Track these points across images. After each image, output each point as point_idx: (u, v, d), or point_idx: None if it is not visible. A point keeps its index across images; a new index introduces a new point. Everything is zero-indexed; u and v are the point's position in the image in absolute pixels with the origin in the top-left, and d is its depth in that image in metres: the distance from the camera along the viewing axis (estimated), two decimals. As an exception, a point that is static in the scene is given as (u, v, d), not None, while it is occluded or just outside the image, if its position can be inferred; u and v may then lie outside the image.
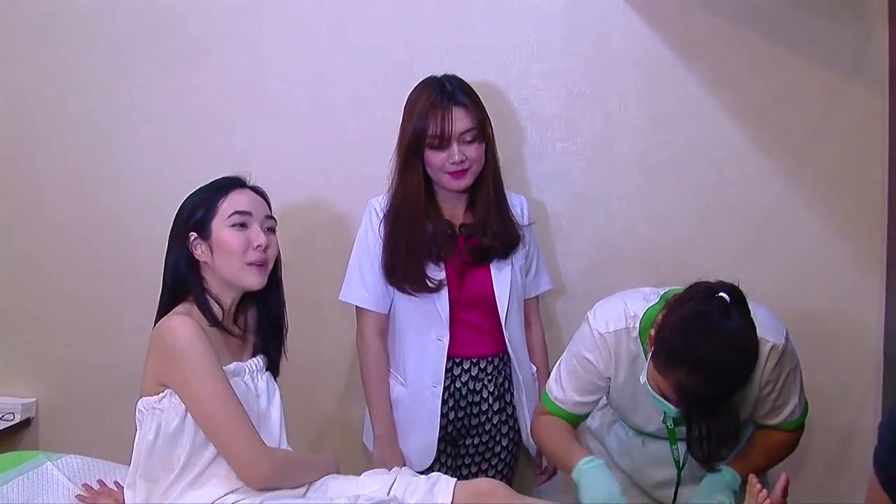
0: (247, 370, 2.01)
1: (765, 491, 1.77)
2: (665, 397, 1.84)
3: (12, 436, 3.01)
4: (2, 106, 2.98)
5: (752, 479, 1.81)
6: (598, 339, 2.04)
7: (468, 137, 2.27)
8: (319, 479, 1.99)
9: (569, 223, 2.69)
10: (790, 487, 1.80)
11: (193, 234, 1.97)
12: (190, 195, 2.02)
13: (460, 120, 2.27)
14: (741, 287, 1.84)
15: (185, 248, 1.97)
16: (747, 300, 1.85)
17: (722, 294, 1.79)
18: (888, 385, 2.55)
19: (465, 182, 2.30)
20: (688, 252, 2.64)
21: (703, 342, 1.74)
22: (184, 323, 1.88)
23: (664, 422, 2.06)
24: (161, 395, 1.89)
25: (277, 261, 2.05)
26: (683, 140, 2.62)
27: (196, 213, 1.98)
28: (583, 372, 2.09)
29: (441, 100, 2.28)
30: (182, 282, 1.98)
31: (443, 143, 2.26)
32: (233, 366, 1.97)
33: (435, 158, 2.28)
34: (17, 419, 3.00)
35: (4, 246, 3.03)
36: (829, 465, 2.62)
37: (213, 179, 2.03)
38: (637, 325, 2.00)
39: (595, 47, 2.63)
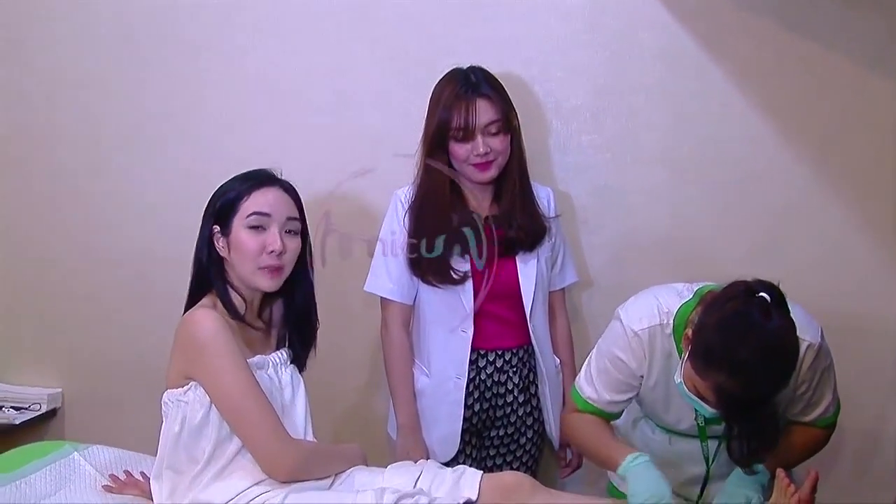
0: (270, 363, 2.01)
1: (793, 486, 1.75)
2: (702, 398, 1.80)
3: (38, 426, 3.03)
4: (21, 99, 3.00)
5: (781, 473, 1.79)
6: (631, 337, 2.00)
7: (493, 129, 2.27)
8: (346, 470, 1.99)
9: (594, 216, 2.69)
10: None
11: (216, 228, 1.96)
12: (223, 183, 2.01)
13: (485, 112, 2.26)
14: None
15: (209, 240, 1.97)
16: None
17: (762, 294, 1.74)
18: (913, 381, 2.54)
19: (491, 174, 2.30)
20: (711, 246, 2.63)
21: (744, 345, 1.70)
22: (208, 316, 1.88)
23: (696, 420, 2.04)
24: (186, 387, 1.89)
25: (304, 255, 2.03)
26: (707, 134, 2.61)
27: (220, 207, 1.97)
28: (615, 371, 2.04)
29: (465, 91, 2.27)
30: (205, 273, 1.98)
31: (467, 135, 2.26)
32: (257, 358, 1.97)
33: (459, 150, 2.28)
34: (44, 409, 3.03)
35: (31, 239, 3.06)
36: (854, 462, 2.61)
37: (246, 170, 2.02)
38: (671, 321, 1.96)
39: (620, 40, 2.62)
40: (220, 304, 1.95)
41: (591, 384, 2.08)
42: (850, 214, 2.57)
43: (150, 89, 2.90)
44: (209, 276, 1.97)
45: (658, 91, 2.62)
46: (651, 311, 1.97)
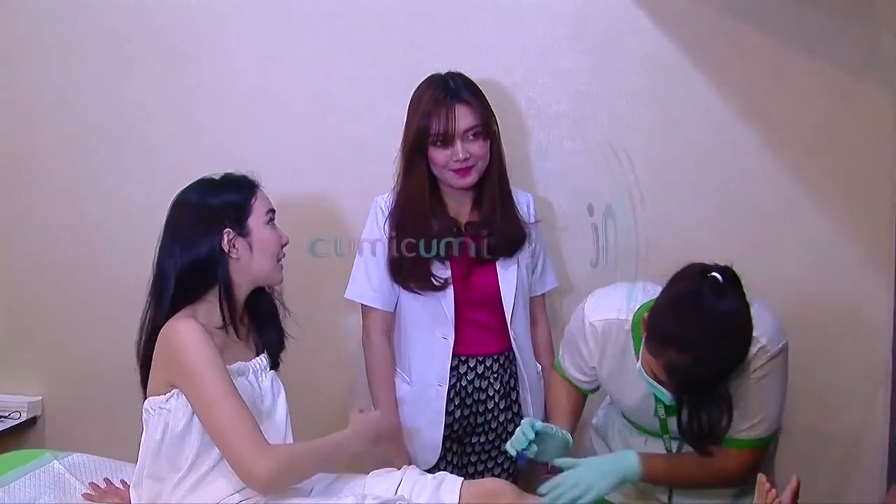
0: (251, 370, 2.01)
1: (774, 491, 1.74)
2: (659, 382, 1.83)
3: (18, 434, 3.02)
4: (4, 103, 2.99)
5: (762, 478, 1.78)
6: (587, 327, 2.05)
7: (472, 135, 2.27)
8: (341, 459, 2.00)
9: (575, 222, 2.68)
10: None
11: (229, 231, 1.95)
12: (199, 189, 2.00)
13: (464, 117, 2.26)
14: (751, 289, 1.82)
15: (215, 243, 1.94)
16: (758, 301, 1.84)
17: (714, 274, 1.77)
18: (897, 386, 2.54)
19: (470, 179, 2.30)
20: (695, 252, 2.55)
21: (693, 322, 1.73)
22: (189, 325, 1.87)
23: (656, 413, 2.04)
24: (168, 395, 1.89)
25: None
26: (691, 140, 2.61)
27: (228, 211, 1.96)
28: (574, 352, 2.13)
29: (445, 97, 2.27)
30: (200, 278, 1.94)
31: (446, 140, 2.26)
32: (237, 365, 1.96)
33: (439, 156, 2.28)
34: (23, 417, 3.01)
35: (10, 246, 3.04)
36: (838, 465, 2.60)
37: (220, 175, 2.02)
38: (631, 317, 1.99)
39: (603, 46, 2.62)
40: (199, 313, 1.94)
41: (562, 357, 2.20)
42: (837, 218, 2.57)
43: (134, 95, 2.89)
44: (207, 281, 1.94)
45: (641, 97, 2.62)
46: (614, 304, 1.97)
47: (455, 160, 2.26)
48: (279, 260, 2.03)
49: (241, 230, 1.96)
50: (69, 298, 3.01)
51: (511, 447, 2.02)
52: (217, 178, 2.02)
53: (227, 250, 1.94)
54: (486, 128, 2.29)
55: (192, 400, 1.85)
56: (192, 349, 1.84)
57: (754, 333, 1.84)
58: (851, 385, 2.59)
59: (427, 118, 2.26)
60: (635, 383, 1.95)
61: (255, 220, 1.97)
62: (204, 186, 2.01)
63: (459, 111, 2.26)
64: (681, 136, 2.61)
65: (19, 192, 3.01)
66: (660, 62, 2.59)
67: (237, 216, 1.96)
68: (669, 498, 2.12)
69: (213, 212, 1.96)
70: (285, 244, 2.03)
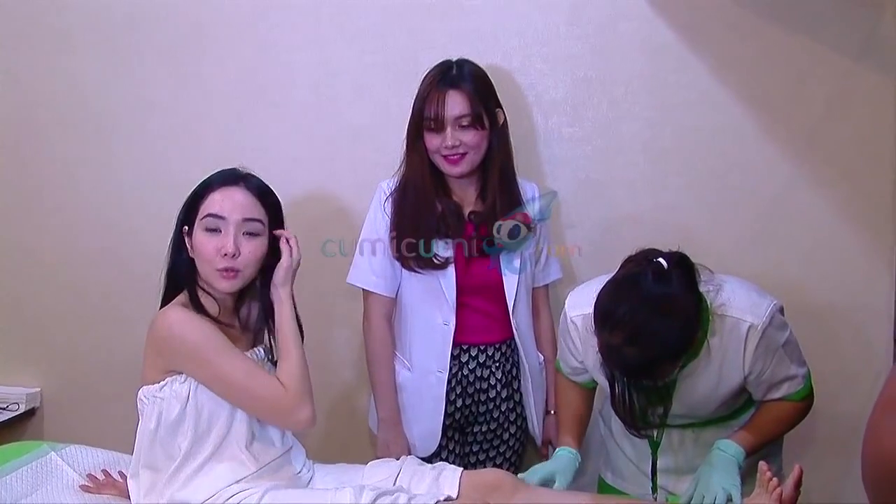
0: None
1: (775, 480, 1.74)
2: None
3: (17, 426, 3.01)
4: (1, 95, 2.97)
5: (763, 466, 1.78)
6: (569, 322, 2.06)
7: (464, 122, 2.26)
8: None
9: (575, 210, 2.67)
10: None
11: (186, 229, 1.96)
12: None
13: (455, 105, 2.25)
14: (749, 273, 1.81)
15: (181, 241, 1.96)
16: (729, 277, 1.87)
17: (659, 259, 1.78)
18: (898, 373, 2.53)
19: (460, 169, 2.29)
20: (694, 239, 2.57)
21: (626, 301, 1.74)
22: (177, 311, 1.88)
23: None
24: (162, 383, 1.89)
25: (273, 255, 2.01)
26: (690, 126, 2.59)
27: (187, 208, 1.97)
28: (565, 349, 2.13)
29: (440, 83, 2.27)
30: (176, 273, 1.98)
31: (438, 126, 2.26)
32: None
33: (432, 141, 2.28)
34: (22, 409, 3.00)
35: (9, 237, 3.03)
36: (839, 454, 2.59)
37: (219, 169, 2.00)
38: None
39: (601, 32, 2.60)
40: (194, 304, 1.94)
41: (560, 353, 2.20)
42: (836, 205, 2.56)
43: (130, 87, 2.87)
44: (180, 277, 1.97)
45: (639, 83, 2.60)
46: (591, 298, 1.93)
47: (445, 146, 2.25)
48: (219, 269, 1.90)
49: (190, 230, 1.95)
50: (68, 290, 3.00)
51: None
52: (214, 172, 2.00)
53: (189, 247, 1.95)
54: (479, 117, 2.27)
55: (202, 378, 1.87)
56: (187, 329, 1.85)
57: (735, 315, 1.86)
58: (852, 372, 2.58)
59: (422, 102, 2.27)
60: None
61: (197, 223, 1.93)
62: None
63: (452, 98, 2.25)
64: (679, 122, 2.60)
65: (17, 186, 3.00)
66: (658, 48, 2.58)
67: (188, 214, 1.95)
68: (653, 478, 2.12)
69: (184, 205, 1.98)
70: (225, 254, 1.88)
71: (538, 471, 2.02)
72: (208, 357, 1.85)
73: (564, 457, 2.07)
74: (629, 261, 1.85)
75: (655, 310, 1.73)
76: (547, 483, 1.99)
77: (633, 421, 1.87)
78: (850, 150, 2.53)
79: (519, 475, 1.99)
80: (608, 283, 1.83)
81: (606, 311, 1.77)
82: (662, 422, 1.93)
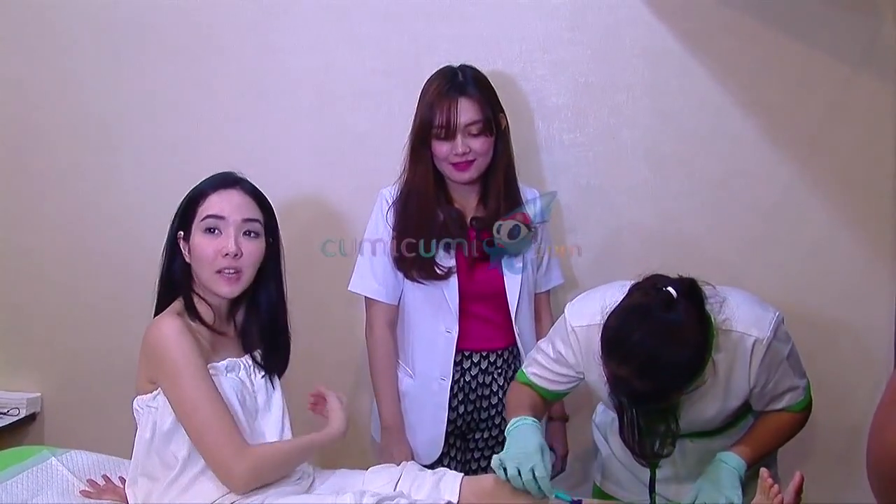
0: (242, 366, 1.99)
1: (776, 486, 1.73)
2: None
3: (17, 431, 3.00)
4: (3, 98, 2.97)
5: (764, 473, 1.77)
6: (570, 333, 2.01)
7: (474, 130, 2.25)
8: (307, 458, 1.98)
9: (577, 216, 2.67)
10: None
11: (181, 234, 1.95)
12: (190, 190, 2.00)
13: (466, 112, 2.25)
14: (749, 279, 1.80)
15: (175, 246, 1.96)
16: (731, 289, 1.84)
17: (668, 288, 1.74)
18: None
19: (469, 175, 2.29)
20: (695, 245, 2.61)
21: (636, 332, 1.70)
22: (170, 323, 1.86)
23: None
24: (155, 393, 1.88)
25: (272, 258, 2.01)
26: (691, 132, 2.60)
27: (182, 212, 1.96)
28: (554, 362, 2.06)
29: (449, 90, 2.26)
30: (171, 279, 1.97)
31: (448, 134, 2.25)
32: (226, 362, 1.95)
33: (440, 149, 2.27)
34: (22, 414, 2.99)
35: (10, 242, 3.02)
36: (838, 462, 2.59)
37: (210, 175, 2.00)
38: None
39: (602, 38, 2.61)
40: (189, 311, 1.94)
41: (535, 366, 2.09)
42: (836, 212, 2.56)
43: (130, 89, 2.87)
44: (175, 284, 1.96)
45: (640, 89, 2.61)
46: (594, 309, 1.91)
47: (455, 154, 2.25)
48: (219, 271, 1.90)
49: (186, 234, 1.94)
50: (69, 295, 3.00)
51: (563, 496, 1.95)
52: (208, 177, 2.00)
53: (184, 252, 1.94)
54: (490, 124, 2.27)
55: (171, 400, 1.84)
56: (172, 346, 1.83)
57: (740, 329, 1.84)
58: (851, 380, 2.58)
59: (431, 110, 2.26)
60: None
61: (195, 226, 1.92)
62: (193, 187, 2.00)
63: (462, 105, 2.24)
64: (680, 128, 2.60)
65: (18, 189, 2.99)
66: (659, 54, 2.58)
67: (187, 219, 1.94)
68: (652, 487, 2.10)
69: (177, 212, 1.97)
70: (227, 254, 1.89)
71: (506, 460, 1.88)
72: (181, 380, 1.82)
73: (525, 430, 1.95)
74: (637, 288, 1.81)
75: (665, 342, 1.70)
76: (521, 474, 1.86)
77: (641, 451, 1.85)
78: (850, 156, 2.53)
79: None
80: (616, 310, 1.78)
81: (615, 342, 1.74)
82: (671, 451, 1.89)
